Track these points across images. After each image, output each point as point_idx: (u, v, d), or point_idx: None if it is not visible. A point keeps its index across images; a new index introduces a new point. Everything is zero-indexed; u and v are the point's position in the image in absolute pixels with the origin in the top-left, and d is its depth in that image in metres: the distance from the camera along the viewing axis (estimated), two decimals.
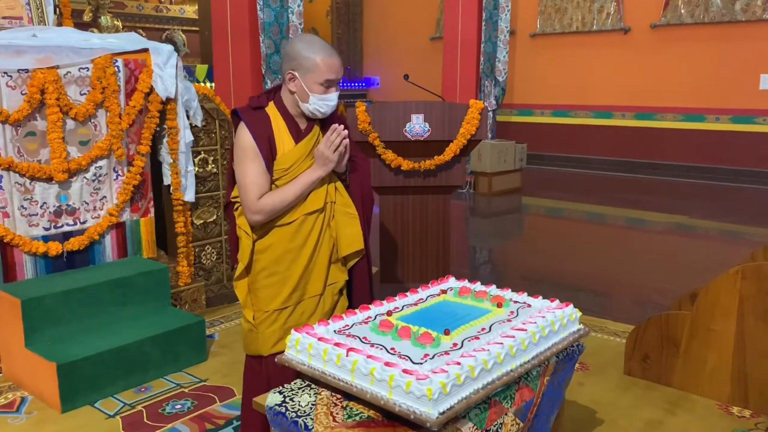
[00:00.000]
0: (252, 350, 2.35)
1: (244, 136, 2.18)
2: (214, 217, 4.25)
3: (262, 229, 2.23)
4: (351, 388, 1.82)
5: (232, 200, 2.30)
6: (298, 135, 2.25)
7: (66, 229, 3.47)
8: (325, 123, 2.30)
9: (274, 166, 2.20)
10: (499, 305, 2.31)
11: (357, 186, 2.37)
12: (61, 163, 3.34)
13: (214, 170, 4.21)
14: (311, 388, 1.97)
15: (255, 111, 2.24)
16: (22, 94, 3.20)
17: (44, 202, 3.36)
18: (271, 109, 2.25)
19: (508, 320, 2.18)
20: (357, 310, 2.28)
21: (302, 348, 1.99)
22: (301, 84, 2.16)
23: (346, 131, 2.21)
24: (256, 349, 2.32)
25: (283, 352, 2.05)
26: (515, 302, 2.29)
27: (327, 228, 2.30)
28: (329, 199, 2.28)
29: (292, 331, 2.02)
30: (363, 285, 2.42)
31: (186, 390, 3.08)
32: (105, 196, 3.61)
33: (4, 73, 3.15)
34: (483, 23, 8.92)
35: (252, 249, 2.26)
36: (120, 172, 3.64)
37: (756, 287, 2.78)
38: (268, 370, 2.33)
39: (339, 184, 2.31)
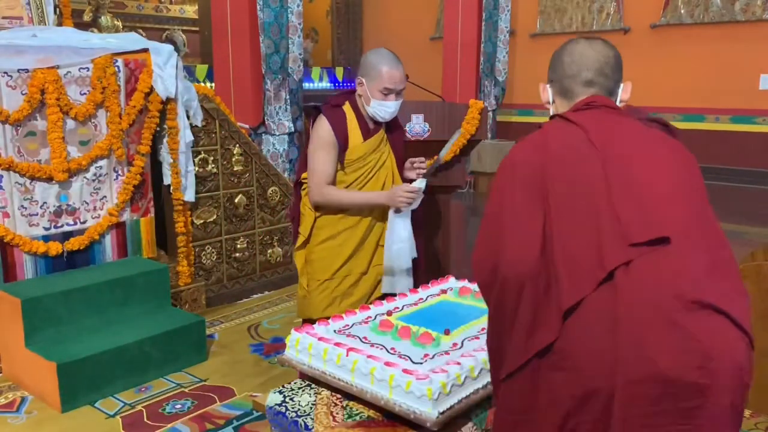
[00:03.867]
0: (305, 315, 2.68)
1: (324, 128, 2.53)
2: (214, 217, 4.25)
3: (323, 208, 2.57)
4: (351, 387, 1.82)
5: (302, 180, 2.65)
6: (366, 133, 2.59)
7: (66, 228, 3.47)
8: (389, 127, 2.66)
9: (346, 156, 2.55)
10: None
11: None
12: (61, 162, 3.34)
13: (214, 170, 4.21)
14: (311, 388, 1.98)
15: (334, 108, 2.57)
16: (22, 94, 3.20)
17: (44, 202, 3.36)
18: (347, 108, 2.58)
19: None
20: (357, 310, 2.29)
21: (302, 348, 1.99)
22: (366, 90, 2.52)
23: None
24: (309, 313, 2.64)
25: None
26: None
27: (377, 216, 2.62)
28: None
29: (292, 330, 2.02)
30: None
31: (186, 390, 3.08)
32: (105, 196, 3.60)
33: (4, 73, 3.15)
34: (483, 23, 8.92)
35: (313, 224, 2.60)
36: (120, 172, 3.64)
37: (756, 287, 2.78)
38: None
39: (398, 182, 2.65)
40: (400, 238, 2.55)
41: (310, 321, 2.59)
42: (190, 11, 9.01)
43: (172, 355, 3.26)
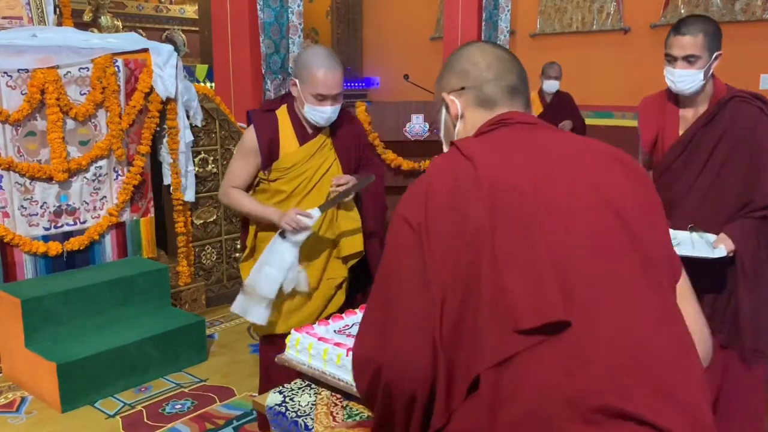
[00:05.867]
0: (258, 330, 2.50)
1: (247, 134, 2.35)
2: (214, 217, 4.25)
3: (263, 222, 2.36)
4: (351, 387, 1.82)
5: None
6: (303, 137, 2.33)
7: (66, 229, 3.47)
8: (336, 129, 2.37)
9: (274, 166, 2.31)
10: None
11: (370, 195, 2.48)
12: (61, 163, 3.34)
13: (214, 170, 4.21)
14: (311, 388, 1.98)
15: (265, 113, 2.35)
16: (22, 94, 3.20)
17: (44, 202, 3.36)
18: (282, 112, 2.35)
19: None
20: (357, 310, 2.28)
21: (302, 348, 1.99)
22: (299, 92, 2.25)
23: (309, 220, 2.23)
24: (260, 329, 2.45)
25: (276, 335, 2.29)
26: None
27: (329, 227, 2.38)
28: None
29: (292, 330, 2.02)
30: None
31: (186, 390, 3.08)
32: (105, 196, 3.60)
33: (4, 73, 3.15)
34: (483, 23, 8.92)
35: (254, 237, 2.41)
36: (120, 172, 3.64)
37: None
38: (264, 351, 2.42)
39: None
40: (276, 263, 2.26)
41: (264, 337, 2.42)
42: (190, 11, 9.01)
43: (172, 355, 3.26)
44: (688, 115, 2.25)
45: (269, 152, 2.29)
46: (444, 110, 1.27)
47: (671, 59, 2.20)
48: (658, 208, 1.11)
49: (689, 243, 2.14)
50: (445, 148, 1.29)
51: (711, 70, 2.18)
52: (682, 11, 9.14)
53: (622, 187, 1.08)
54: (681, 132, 2.26)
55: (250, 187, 2.39)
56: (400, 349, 1.04)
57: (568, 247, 0.99)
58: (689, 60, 2.15)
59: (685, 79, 2.17)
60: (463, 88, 1.23)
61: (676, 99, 2.28)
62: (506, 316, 0.95)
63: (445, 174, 1.10)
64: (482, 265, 0.98)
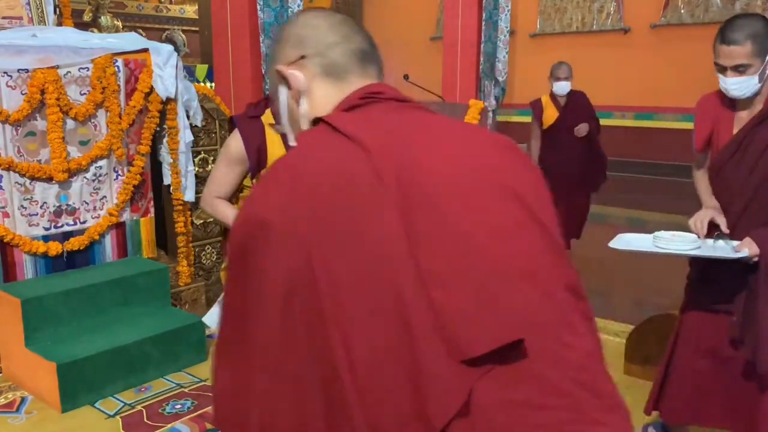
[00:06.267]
0: None
1: (232, 141, 2.29)
2: None
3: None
4: None
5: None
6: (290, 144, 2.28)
7: (66, 229, 3.47)
8: None
9: (262, 173, 2.27)
10: None
11: None
12: (61, 163, 3.34)
13: None
14: None
15: (250, 119, 2.30)
16: (22, 94, 3.20)
17: (44, 202, 3.36)
18: (267, 118, 2.29)
19: None
20: None
21: None
22: None
23: None
24: None
25: None
26: None
27: None
28: None
29: None
30: None
31: (186, 390, 3.08)
32: (105, 196, 3.60)
33: (4, 73, 3.15)
34: (483, 23, 8.91)
35: None
36: (120, 172, 3.64)
37: None
38: None
39: None
40: None
41: None
42: (190, 11, 9.01)
43: (172, 355, 3.26)
44: (743, 115, 2.18)
45: (257, 160, 2.25)
46: (284, 90, 1.03)
47: (720, 68, 2.12)
48: (551, 201, 0.97)
49: (711, 246, 2.11)
50: (292, 138, 1.07)
51: (767, 72, 2.08)
52: (682, 11, 9.14)
53: (528, 181, 0.93)
54: (735, 132, 2.19)
55: (233, 195, 2.36)
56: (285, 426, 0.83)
57: (502, 255, 0.83)
58: (739, 70, 2.07)
59: (737, 86, 2.10)
60: (303, 57, 1.00)
61: (731, 99, 2.21)
62: (452, 343, 0.76)
63: (325, 162, 0.86)
64: (403, 284, 0.78)
